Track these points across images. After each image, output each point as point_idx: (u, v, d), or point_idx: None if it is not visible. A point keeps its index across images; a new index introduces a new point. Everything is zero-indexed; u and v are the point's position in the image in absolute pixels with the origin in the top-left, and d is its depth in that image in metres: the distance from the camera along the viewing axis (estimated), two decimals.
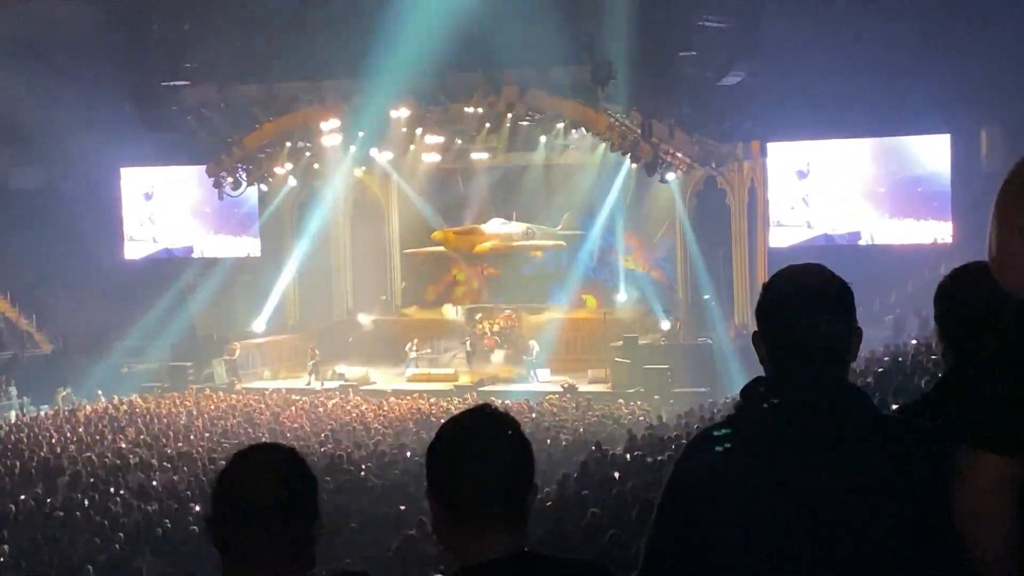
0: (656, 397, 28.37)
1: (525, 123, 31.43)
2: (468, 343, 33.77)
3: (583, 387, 30.50)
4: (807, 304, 2.72)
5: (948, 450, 2.58)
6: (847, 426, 2.64)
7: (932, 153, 32.54)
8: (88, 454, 20.32)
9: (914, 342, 22.01)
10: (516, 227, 35.21)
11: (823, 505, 2.57)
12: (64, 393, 31.15)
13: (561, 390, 29.88)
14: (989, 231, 2.49)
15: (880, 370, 16.23)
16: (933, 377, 10.83)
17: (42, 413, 28.85)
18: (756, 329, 2.81)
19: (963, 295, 3.34)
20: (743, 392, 2.77)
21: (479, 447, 2.46)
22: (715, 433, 2.79)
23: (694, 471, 2.73)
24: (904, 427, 2.80)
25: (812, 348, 2.70)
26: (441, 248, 35.00)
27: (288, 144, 33.00)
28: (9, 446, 22.14)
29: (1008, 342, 2.52)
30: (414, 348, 33.73)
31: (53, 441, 22.55)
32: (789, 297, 2.76)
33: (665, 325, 33.39)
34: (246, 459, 2.59)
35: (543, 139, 32.97)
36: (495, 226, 34.80)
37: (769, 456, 2.64)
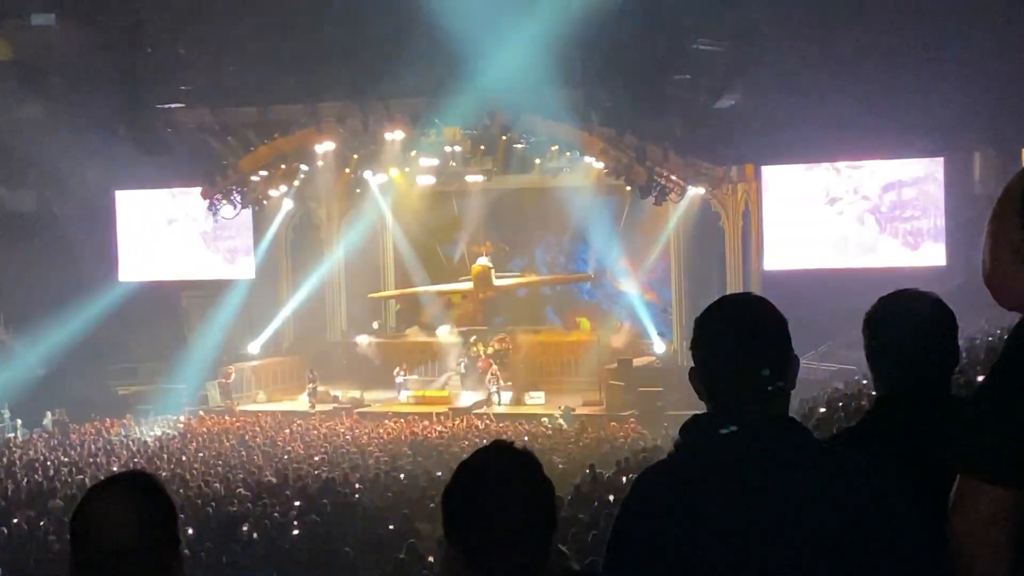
0: (647, 420, 28.30)
1: (519, 146, 31.45)
2: (463, 365, 33.72)
3: (578, 410, 30.46)
4: (733, 338, 2.71)
5: (882, 482, 2.57)
6: (781, 460, 2.61)
7: (926, 176, 32.59)
8: (81, 477, 20.25)
9: None
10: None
11: (759, 540, 2.55)
12: (54, 418, 31.01)
13: (558, 412, 29.85)
14: (983, 246, 2.50)
15: (872, 393, 16.25)
16: None
17: (34, 435, 28.77)
18: (692, 366, 2.80)
19: (894, 324, 3.20)
20: (681, 430, 2.77)
21: (501, 489, 2.35)
22: (656, 472, 2.79)
23: (638, 510, 2.73)
24: (841, 459, 2.74)
25: (742, 382, 2.68)
26: (392, 292, 37.19)
27: (283, 167, 33.01)
28: (1, 469, 22.08)
29: (1008, 367, 2.48)
30: (402, 373, 33.65)
31: (47, 464, 22.50)
32: (716, 332, 2.75)
33: (659, 348, 33.37)
34: (101, 494, 2.52)
35: (537, 162, 32.94)
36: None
37: (707, 493, 2.62)
